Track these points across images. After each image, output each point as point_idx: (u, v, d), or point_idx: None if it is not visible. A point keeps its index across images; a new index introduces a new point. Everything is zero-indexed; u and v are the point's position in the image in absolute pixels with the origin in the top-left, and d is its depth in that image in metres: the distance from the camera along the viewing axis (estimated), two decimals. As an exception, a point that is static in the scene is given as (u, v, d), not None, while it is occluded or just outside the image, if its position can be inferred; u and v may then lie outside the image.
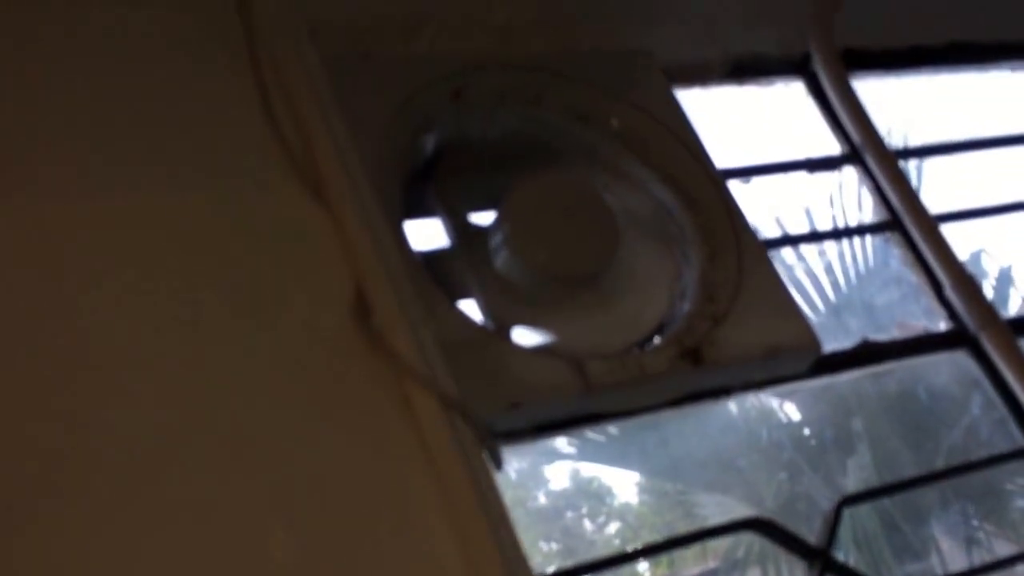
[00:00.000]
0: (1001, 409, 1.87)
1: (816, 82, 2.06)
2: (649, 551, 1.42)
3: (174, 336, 1.09)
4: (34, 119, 1.22)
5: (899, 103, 2.31)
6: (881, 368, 1.85)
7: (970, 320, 1.82)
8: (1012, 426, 1.86)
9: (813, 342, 1.55)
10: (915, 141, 2.29)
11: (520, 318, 1.52)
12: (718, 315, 1.51)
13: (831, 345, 1.75)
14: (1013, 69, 2.40)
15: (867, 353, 1.81)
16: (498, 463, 1.14)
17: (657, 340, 1.55)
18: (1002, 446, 1.94)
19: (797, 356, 1.55)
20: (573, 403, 1.39)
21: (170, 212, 1.18)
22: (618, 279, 1.58)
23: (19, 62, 1.24)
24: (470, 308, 1.53)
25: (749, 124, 2.10)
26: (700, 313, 1.52)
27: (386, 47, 1.62)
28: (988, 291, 2.36)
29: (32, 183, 1.16)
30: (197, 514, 0.99)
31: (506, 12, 1.73)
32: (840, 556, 1.49)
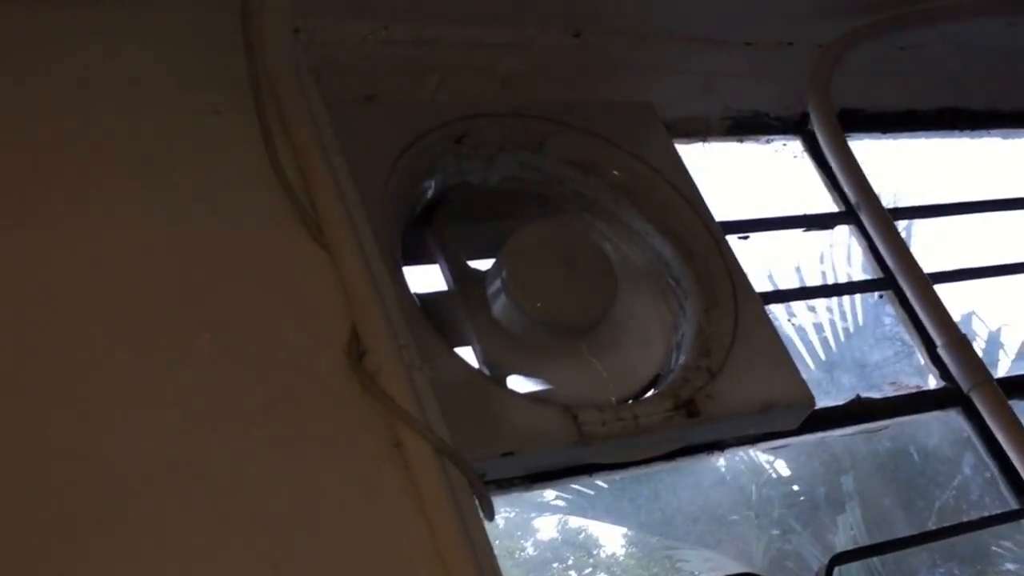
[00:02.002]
0: (992, 469, 1.87)
1: (814, 141, 2.08)
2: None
3: (164, 373, 1.08)
4: (35, 152, 1.22)
5: (893, 164, 2.33)
6: (873, 426, 1.85)
7: (962, 379, 1.82)
8: (1002, 486, 1.86)
9: (807, 397, 1.55)
10: (905, 202, 2.31)
11: (516, 365, 1.52)
12: (714, 369, 1.51)
13: (824, 402, 1.75)
14: (1005, 136, 2.43)
15: (860, 410, 1.81)
16: (489, 513, 1.13)
17: (652, 392, 1.55)
18: (992, 506, 1.94)
19: (791, 411, 1.55)
20: (566, 453, 1.38)
21: (168, 248, 1.18)
22: (615, 330, 1.58)
23: (21, 98, 1.25)
24: (467, 353, 1.53)
25: (747, 180, 2.11)
26: (696, 366, 1.52)
27: (391, 93, 1.64)
28: (978, 353, 2.38)
29: (32, 216, 1.17)
30: (182, 556, 0.98)
31: (510, 62, 1.75)
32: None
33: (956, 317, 1.88)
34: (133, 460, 1.01)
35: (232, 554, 0.98)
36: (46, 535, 0.95)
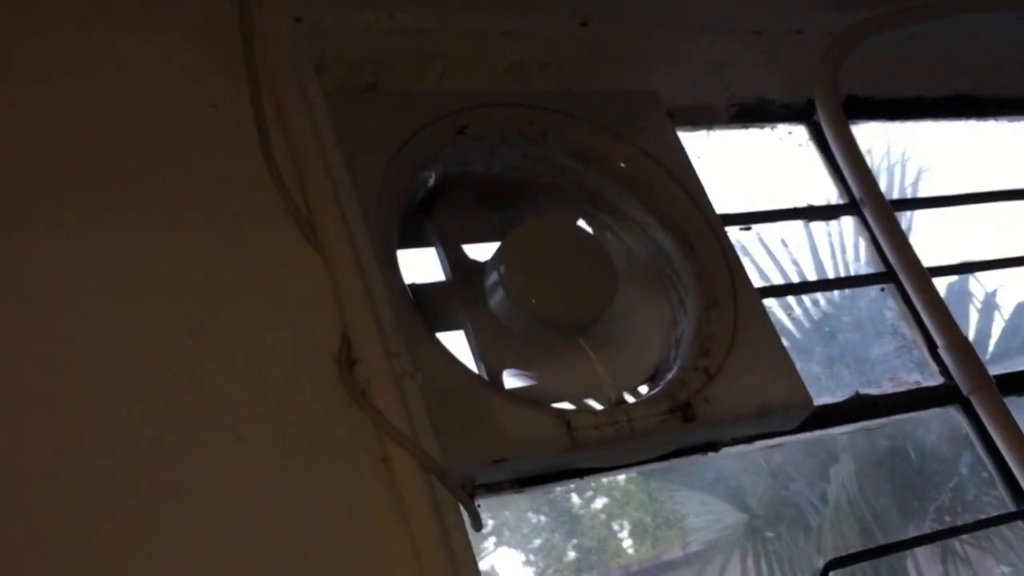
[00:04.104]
0: (989, 469, 1.86)
1: (820, 129, 2.06)
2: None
3: (143, 382, 1.07)
4: (22, 147, 1.20)
5: (898, 147, 2.32)
6: (872, 423, 1.84)
7: (963, 381, 1.81)
8: (1000, 487, 1.85)
9: (805, 400, 1.54)
10: (910, 179, 2.30)
11: (512, 360, 1.51)
12: (712, 370, 1.50)
13: (823, 398, 1.74)
14: (1012, 121, 2.40)
15: (859, 407, 1.80)
16: (477, 524, 1.13)
17: (649, 390, 1.54)
18: (988, 506, 1.94)
19: (789, 414, 1.54)
20: (559, 459, 1.38)
21: (153, 250, 1.17)
22: (614, 325, 1.57)
23: (11, 91, 1.23)
24: (461, 343, 1.52)
25: (751, 168, 2.09)
26: (693, 367, 1.51)
27: (394, 81, 1.61)
28: (973, 314, 2.37)
29: (14, 215, 1.15)
30: (159, 568, 0.97)
31: (514, 51, 1.72)
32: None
33: (952, 278, 1.86)
34: (108, 474, 0.99)
35: (211, 573, 0.98)
36: (16, 552, 0.94)
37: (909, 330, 1.97)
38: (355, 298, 1.17)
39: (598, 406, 1.49)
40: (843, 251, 2.26)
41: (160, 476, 1.01)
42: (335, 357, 1.14)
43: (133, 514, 0.99)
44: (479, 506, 1.16)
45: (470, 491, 1.20)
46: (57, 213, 1.16)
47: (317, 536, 1.02)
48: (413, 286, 1.51)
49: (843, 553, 1.64)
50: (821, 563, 1.58)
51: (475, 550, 1.08)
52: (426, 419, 1.12)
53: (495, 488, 1.36)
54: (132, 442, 1.03)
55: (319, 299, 1.19)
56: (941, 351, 1.84)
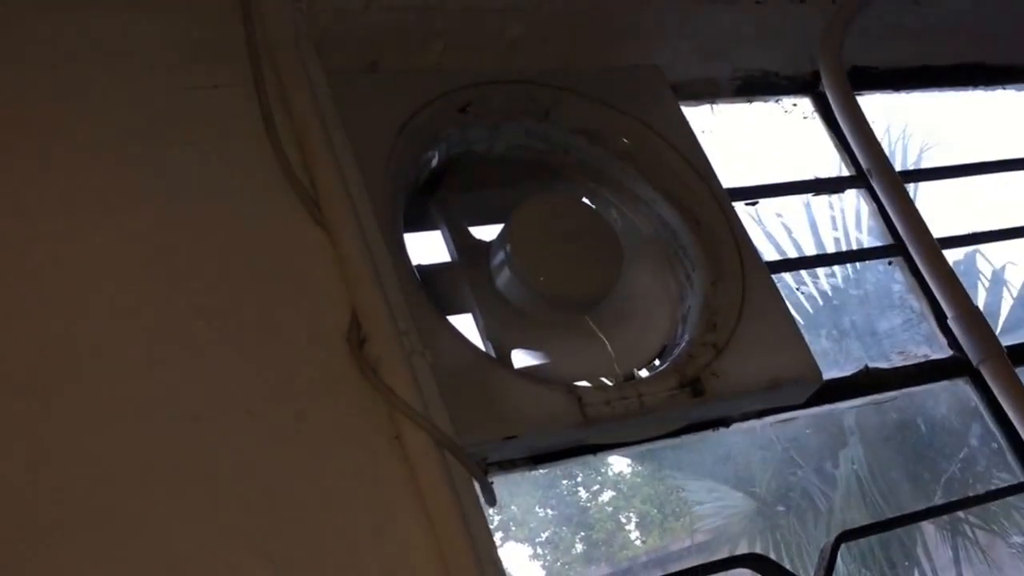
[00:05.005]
0: (999, 440, 1.86)
1: (825, 101, 2.04)
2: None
3: (157, 363, 1.07)
4: (27, 127, 1.20)
5: (904, 118, 2.30)
6: (881, 397, 1.83)
7: (972, 352, 1.80)
8: (1009, 457, 1.85)
9: (815, 373, 1.53)
10: (916, 144, 2.28)
11: (520, 339, 1.50)
12: (720, 344, 1.49)
13: (832, 372, 1.73)
14: (1020, 90, 2.38)
15: (868, 381, 1.79)
16: (491, 499, 1.12)
17: (657, 366, 1.53)
18: (998, 477, 1.93)
19: (798, 387, 1.53)
20: (570, 434, 1.37)
21: (161, 232, 1.16)
22: (621, 302, 1.56)
23: (14, 71, 1.22)
24: (469, 323, 1.51)
25: (756, 142, 2.07)
26: (701, 342, 1.50)
27: (394, 60, 1.60)
28: (981, 292, 2.36)
29: (21, 197, 1.14)
30: (177, 551, 0.97)
31: (516, 28, 1.71)
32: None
33: (960, 255, 1.84)
34: (126, 454, 1.00)
35: (228, 548, 0.98)
36: (39, 530, 0.94)
37: (917, 302, 1.95)
38: (363, 276, 1.16)
39: (608, 383, 1.48)
40: (846, 229, 2.25)
41: (176, 455, 1.01)
42: (344, 336, 1.13)
43: (151, 490, 0.99)
44: (492, 482, 1.15)
45: (483, 469, 1.19)
46: (63, 196, 1.15)
47: (332, 512, 1.02)
48: (420, 267, 1.50)
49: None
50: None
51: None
52: (437, 395, 1.12)
53: (507, 466, 1.36)
54: (146, 421, 1.03)
55: (326, 278, 1.18)
56: (951, 322, 1.83)
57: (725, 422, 1.56)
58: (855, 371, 1.79)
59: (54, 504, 0.96)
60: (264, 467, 1.03)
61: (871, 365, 1.81)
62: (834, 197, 2.10)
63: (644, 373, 1.53)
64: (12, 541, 0.93)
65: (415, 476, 1.05)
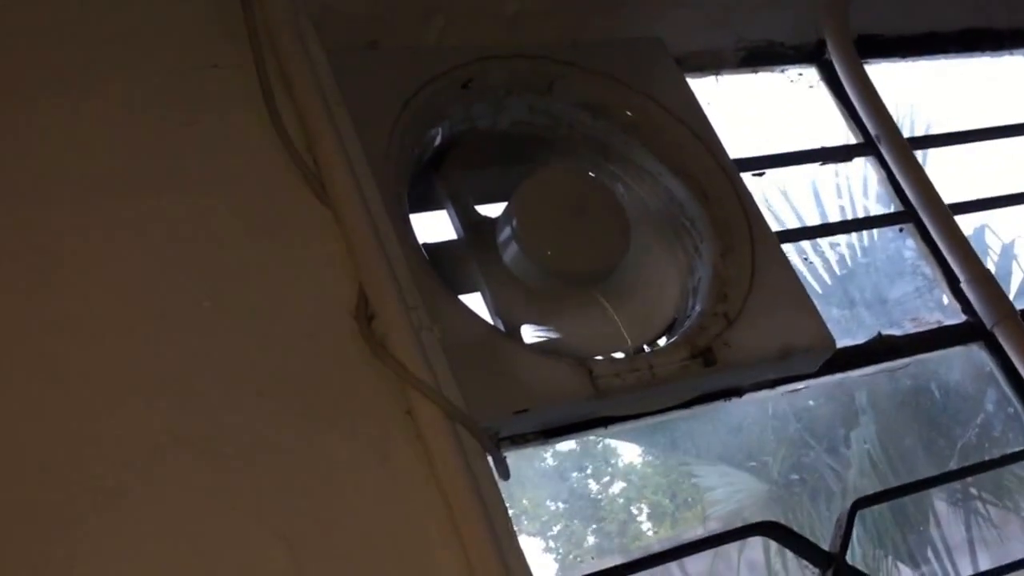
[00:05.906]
0: (1015, 404, 1.84)
1: (831, 70, 2.02)
2: (656, 559, 1.39)
3: (165, 344, 1.06)
4: (27, 113, 1.19)
5: (912, 86, 2.28)
6: (895, 364, 1.82)
7: (986, 314, 1.79)
8: (1026, 420, 1.84)
9: (828, 341, 1.52)
10: (922, 121, 2.26)
11: (529, 315, 1.49)
12: (731, 315, 1.48)
13: (845, 340, 1.72)
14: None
15: (882, 348, 1.78)
16: (504, 473, 1.12)
17: (668, 339, 1.52)
18: (1015, 441, 1.92)
19: (810, 355, 1.52)
20: (581, 407, 1.36)
21: (165, 213, 1.15)
22: (629, 276, 1.55)
23: (16, 59, 1.21)
24: (477, 301, 1.50)
25: (762, 113, 2.06)
26: (712, 312, 1.49)
27: (395, 37, 1.59)
28: (991, 266, 2.35)
29: (24, 182, 1.14)
30: (190, 532, 0.97)
31: (517, 2, 1.69)
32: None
33: (969, 231, 1.83)
34: (137, 435, 1.00)
35: (242, 528, 0.97)
36: (49, 513, 0.94)
37: (929, 268, 1.94)
38: (369, 253, 1.16)
39: (619, 356, 1.48)
40: (852, 198, 2.23)
41: (188, 435, 1.01)
42: (352, 313, 1.13)
43: (164, 470, 0.99)
44: (505, 456, 1.14)
45: (495, 443, 1.19)
46: (65, 181, 1.14)
47: (344, 489, 1.02)
48: (426, 245, 1.50)
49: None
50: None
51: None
52: (447, 370, 1.11)
53: (519, 440, 1.35)
54: (156, 403, 1.02)
55: (333, 256, 1.18)
56: (964, 285, 1.81)
57: (738, 392, 1.55)
58: (868, 339, 1.78)
59: (65, 486, 0.96)
60: (276, 446, 1.02)
61: (884, 332, 1.80)
62: (840, 166, 2.09)
63: (655, 344, 1.52)
64: (24, 523, 0.93)
65: (428, 450, 1.04)
